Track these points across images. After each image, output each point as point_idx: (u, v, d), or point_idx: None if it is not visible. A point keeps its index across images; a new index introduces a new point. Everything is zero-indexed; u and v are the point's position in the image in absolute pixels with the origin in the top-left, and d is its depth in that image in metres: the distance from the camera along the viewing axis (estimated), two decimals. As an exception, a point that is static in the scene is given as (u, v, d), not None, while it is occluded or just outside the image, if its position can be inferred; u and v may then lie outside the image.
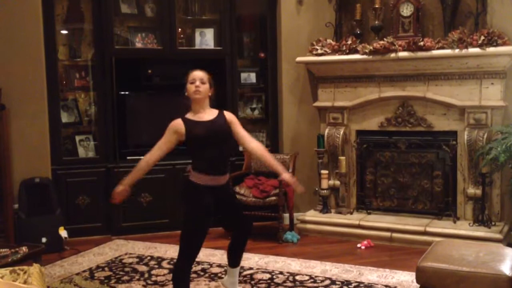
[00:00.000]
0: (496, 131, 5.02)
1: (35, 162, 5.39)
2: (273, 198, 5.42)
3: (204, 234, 3.59)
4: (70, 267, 4.73)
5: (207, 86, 3.65)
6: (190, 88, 3.62)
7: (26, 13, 5.33)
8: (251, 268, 4.60)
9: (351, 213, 5.68)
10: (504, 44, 4.89)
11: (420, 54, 5.18)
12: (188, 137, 3.56)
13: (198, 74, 3.63)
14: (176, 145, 3.64)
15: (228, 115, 3.72)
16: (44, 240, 5.00)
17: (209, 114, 3.67)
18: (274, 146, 6.14)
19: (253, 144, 3.69)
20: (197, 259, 4.79)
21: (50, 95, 5.51)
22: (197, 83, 3.60)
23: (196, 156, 3.61)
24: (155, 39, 5.92)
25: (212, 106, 3.74)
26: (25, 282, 2.66)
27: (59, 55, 5.68)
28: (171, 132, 3.62)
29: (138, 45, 5.88)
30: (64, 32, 5.81)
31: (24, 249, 4.18)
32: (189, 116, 3.66)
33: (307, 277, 4.37)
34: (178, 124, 3.62)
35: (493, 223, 5.04)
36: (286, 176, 3.62)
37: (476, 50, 4.94)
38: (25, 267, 2.83)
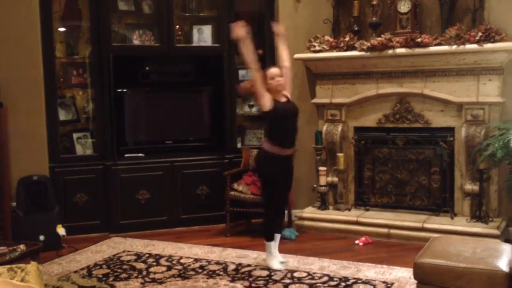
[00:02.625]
0: (494, 127, 5.03)
1: (33, 160, 5.39)
2: (271, 195, 5.40)
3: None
4: (68, 265, 4.74)
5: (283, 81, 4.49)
6: (272, 83, 4.40)
7: (23, 10, 5.32)
8: (249, 265, 4.61)
9: (349, 210, 5.69)
10: (501, 40, 4.89)
11: (418, 50, 5.18)
12: (271, 111, 4.41)
13: (275, 72, 4.46)
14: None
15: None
16: (42, 238, 5.00)
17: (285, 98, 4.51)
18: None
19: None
20: (195, 256, 4.84)
21: (48, 93, 5.50)
22: (277, 78, 4.41)
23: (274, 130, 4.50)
24: (152, 36, 5.90)
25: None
26: (22, 280, 2.66)
27: (56, 53, 5.67)
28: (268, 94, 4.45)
29: (136, 42, 5.87)
30: (61, 29, 5.79)
31: (22, 247, 4.18)
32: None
33: (305, 274, 4.37)
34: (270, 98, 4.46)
35: (490, 219, 5.05)
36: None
37: (474, 46, 4.94)
38: (23, 265, 2.83)
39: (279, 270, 4.45)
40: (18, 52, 5.32)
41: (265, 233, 4.59)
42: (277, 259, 4.56)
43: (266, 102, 4.38)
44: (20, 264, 2.88)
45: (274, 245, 4.57)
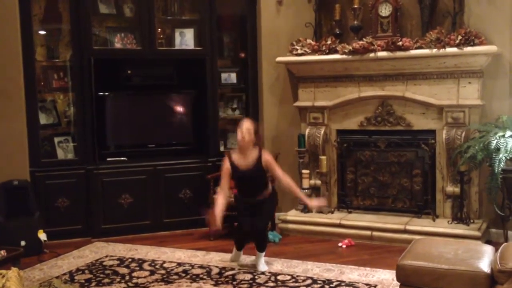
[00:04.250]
0: (474, 130, 5.09)
1: (13, 165, 5.32)
2: (254, 198, 5.40)
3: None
4: (50, 270, 4.68)
5: (251, 137, 4.42)
6: (238, 135, 4.44)
7: (2, 13, 5.25)
8: (232, 269, 4.60)
9: (332, 212, 5.71)
10: (481, 43, 4.95)
11: (399, 53, 5.22)
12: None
13: (245, 125, 4.43)
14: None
15: (265, 159, 4.47)
16: (23, 243, 4.94)
17: (250, 157, 4.45)
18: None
19: (285, 179, 4.56)
20: (178, 260, 4.83)
21: (28, 96, 5.43)
22: (244, 133, 4.39)
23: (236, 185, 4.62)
24: (134, 40, 5.88)
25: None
26: (3, 287, 2.63)
27: (36, 56, 5.60)
28: (223, 172, 4.51)
29: (117, 45, 5.83)
30: (41, 32, 5.73)
31: (3, 252, 4.14)
32: (234, 156, 4.50)
33: (288, 277, 4.38)
34: (226, 162, 4.50)
35: (471, 220, 5.10)
36: (313, 203, 4.98)
37: (454, 49, 5.00)
38: (3, 271, 2.80)
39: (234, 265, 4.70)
40: (-2, 55, 5.26)
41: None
42: (234, 257, 4.80)
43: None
44: (0, 270, 2.84)
45: (238, 253, 4.80)
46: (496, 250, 3.24)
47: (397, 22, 5.39)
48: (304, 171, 5.76)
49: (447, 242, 3.77)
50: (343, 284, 4.20)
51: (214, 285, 4.26)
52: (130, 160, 5.82)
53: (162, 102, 6.11)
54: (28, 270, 4.62)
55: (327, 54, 5.56)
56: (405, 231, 5.15)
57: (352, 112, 5.69)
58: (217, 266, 4.67)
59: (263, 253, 4.67)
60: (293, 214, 5.78)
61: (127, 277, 4.47)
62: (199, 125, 6.01)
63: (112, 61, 5.81)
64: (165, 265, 4.75)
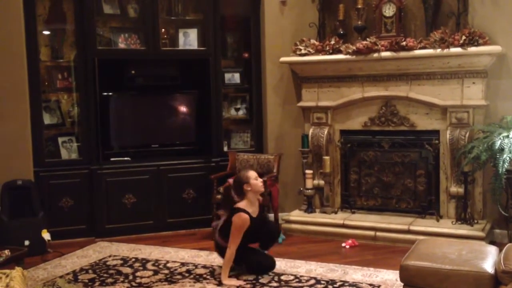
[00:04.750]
0: (478, 130, 5.08)
1: (17, 164, 5.32)
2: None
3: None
4: (54, 270, 4.69)
5: None
6: (257, 184, 4.37)
7: (7, 13, 5.26)
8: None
9: (336, 213, 5.70)
10: (485, 43, 4.94)
11: (403, 54, 5.22)
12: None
13: (255, 173, 4.42)
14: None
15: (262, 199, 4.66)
16: (27, 243, 4.95)
17: (256, 203, 4.46)
18: (258, 146, 6.14)
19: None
20: (182, 260, 4.83)
21: (32, 96, 5.44)
22: (260, 179, 4.40)
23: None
24: (138, 40, 5.88)
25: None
26: (7, 286, 2.64)
27: (41, 56, 5.61)
28: (243, 229, 4.28)
29: (121, 45, 5.84)
30: (46, 32, 5.74)
31: (7, 252, 4.15)
32: (246, 208, 4.35)
33: (292, 277, 4.38)
34: (247, 221, 4.28)
35: (475, 221, 5.09)
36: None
37: (458, 49, 4.99)
38: (7, 271, 2.81)
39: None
40: (2, 55, 5.25)
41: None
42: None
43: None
44: (4, 270, 2.86)
45: None
46: (500, 250, 3.23)
47: (401, 22, 5.38)
48: (307, 171, 5.75)
49: (451, 242, 3.76)
50: (346, 284, 4.19)
51: (218, 285, 4.26)
52: (134, 160, 5.83)
53: (166, 102, 6.12)
54: (32, 269, 4.63)
55: (330, 54, 5.56)
56: (408, 232, 5.15)
57: (355, 112, 5.69)
58: (220, 266, 4.66)
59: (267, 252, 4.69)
60: (296, 214, 5.78)
61: (130, 277, 4.47)
62: (203, 125, 6.02)
63: (116, 61, 5.82)
64: (168, 265, 4.75)
